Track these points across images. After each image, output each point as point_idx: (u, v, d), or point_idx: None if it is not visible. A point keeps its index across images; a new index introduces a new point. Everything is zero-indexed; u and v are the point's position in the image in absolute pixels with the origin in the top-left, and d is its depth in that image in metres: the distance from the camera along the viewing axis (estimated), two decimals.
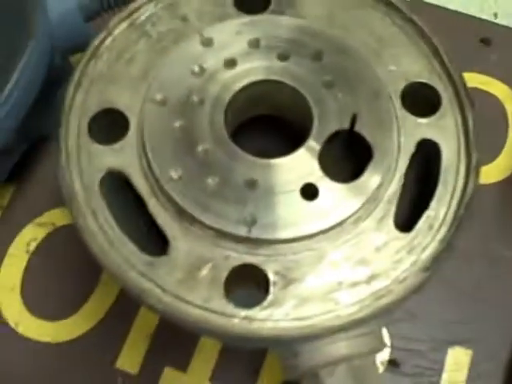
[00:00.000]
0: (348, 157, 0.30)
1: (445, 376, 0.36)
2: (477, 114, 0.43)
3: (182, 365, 0.36)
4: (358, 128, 0.29)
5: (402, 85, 0.31)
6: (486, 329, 0.37)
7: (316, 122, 0.29)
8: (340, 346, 0.27)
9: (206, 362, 0.36)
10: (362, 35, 0.32)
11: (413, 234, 0.28)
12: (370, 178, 0.28)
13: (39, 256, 0.39)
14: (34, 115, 0.33)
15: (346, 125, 0.29)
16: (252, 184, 0.28)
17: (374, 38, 0.32)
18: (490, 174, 0.42)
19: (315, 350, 0.27)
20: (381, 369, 0.36)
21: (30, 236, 0.40)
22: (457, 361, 0.36)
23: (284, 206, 0.28)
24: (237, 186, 0.28)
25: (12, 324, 0.38)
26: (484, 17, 0.47)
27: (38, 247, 0.39)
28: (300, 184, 0.28)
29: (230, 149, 0.29)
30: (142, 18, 0.32)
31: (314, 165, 0.29)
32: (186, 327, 0.27)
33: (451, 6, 0.47)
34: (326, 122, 0.29)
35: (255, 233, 0.27)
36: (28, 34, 0.32)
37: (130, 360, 0.36)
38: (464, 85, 0.31)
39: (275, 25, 0.31)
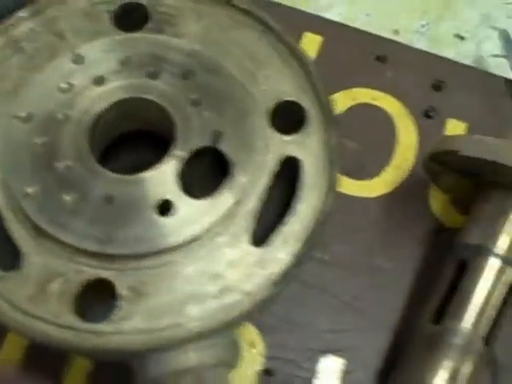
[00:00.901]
0: (214, 175, 0.31)
1: None
2: (367, 129, 0.44)
3: None
4: (220, 146, 0.30)
5: (272, 103, 0.32)
6: (359, 338, 0.38)
7: (179, 138, 0.30)
8: (188, 358, 0.27)
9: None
10: (238, 55, 0.32)
11: (266, 248, 0.29)
12: (226, 195, 0.29)
13: None
14: None
15: (209, 142, 0.30)
16: (109, 200, 0.28)
17: (250, 58, 0.32)
18: (376, 187, 0.43)
19: (163, 361, 0.27)
20: (254, 378, 0.36)
21: None
22: (329, 369, 0.37)
23: (139, 222, 0.28)
24: (94, 202, 0.28)
25: None
26: (384, 34, 0.48)
27: None
28: (157, 200, 0.29)
29: (90, 165, 0.29)
30: (19, 33, 0.32)
31: (173, 181, 0.29)
32: (36, 342, 0.27)
33: (354, 24, 0.48)
34: (188, 139, 0.30)
35: (108, 248, 0.28)
36: None
37: None
38: (330, 104, 0.32)
39: (148, 43, 0.32)
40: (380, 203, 0.42)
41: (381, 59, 0.46)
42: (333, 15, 0.49)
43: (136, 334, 0.27)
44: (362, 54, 0.47)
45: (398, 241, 0.41)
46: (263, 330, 0.37)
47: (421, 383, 0.35)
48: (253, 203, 0.30)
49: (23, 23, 0.33)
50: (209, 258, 0.29)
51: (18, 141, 0.29)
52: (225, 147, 0.30)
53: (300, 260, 0.29)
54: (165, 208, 0.29)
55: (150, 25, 0.33)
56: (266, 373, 0.36)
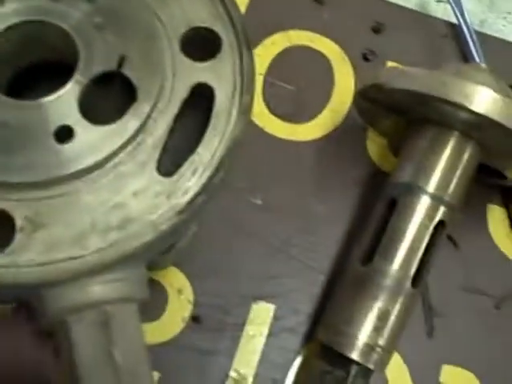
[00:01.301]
0: (117, 100, 0.29)
1: (247, 330, 0.36)
2: (304, 72, 0.43)
3: None
4: (125, 70, 0.28)
5: (183, 29, 0.30)
6: (292, 283, 0.37)
7: (81, 63, 0.28)
8: (89, 291, 0.26)
9: None
10: None
11: (175, 178, 0.28)
12: (130, 121, 0.28)
13: None
14: None
15: (113, 66, 0.28)
16: (4, 126, 0.27)
17: None
18: (311, 131, 0.41)
19: (61, 296, 0.26)
20: (181, 325, 0.35)
21: None
22: (259, 315, 0.36)
23: (36, 149, 0.27)
24: None
25: None
26: None
27: None
28: (55, 126, 0.27)
29: None
30: None
31: (73, 106, 0.28)
32: None
33: None
34: (91, 63, 0.28)
35: (5, 176, 0.26)
36: None
37: None
38: (244, 29, 0.30)
39: None
40: (316, 146, 0.41)
41: (318, 1, 0.45)
42: None
43: (32, 266, 0.25)
44: None
45: (334, 184, 0.40)
46: (191, 276, 0.36)
47: (349, 324, 0.34)
48: (160, 131, 0.28)
49: None
50: (111, 187, 0.27)
51: None
52: (130, 72, 0.28)
53: (207, 189, 0.27)
54: (64, 134, 0.27)
55: None
56: (194, 319, 0.35)
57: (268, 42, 0.42)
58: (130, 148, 0.28)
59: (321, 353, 0.35)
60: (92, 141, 0.27)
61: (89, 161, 0.27)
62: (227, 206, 0.37)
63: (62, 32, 0.29)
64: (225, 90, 0.29)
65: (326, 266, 0.39)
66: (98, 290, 0.26)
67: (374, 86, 0.36)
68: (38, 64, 0.32)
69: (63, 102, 0.28)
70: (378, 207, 0.37)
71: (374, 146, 0.42)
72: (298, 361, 0.36)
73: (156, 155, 0.28)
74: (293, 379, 0.36)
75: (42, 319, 0.26)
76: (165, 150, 0.28)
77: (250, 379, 0.36)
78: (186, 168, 0.28)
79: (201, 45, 0.30)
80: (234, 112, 0.29)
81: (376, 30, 0.46)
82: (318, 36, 0.44)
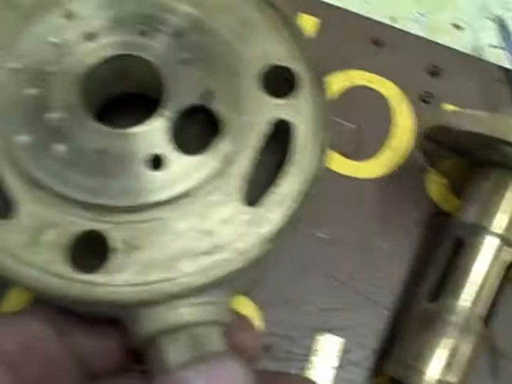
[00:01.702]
0: (207, 133, 0.31)
1: (314, 362, 0.37)
2: (364, 111, 0.44)
3: None
4: (210, 104, 0.30)
5: (262, 67, 0.32)
6: (357, 317, 0.38)
7: (169, 96, 0.30)
8: (181, 313, 0.27)
9: None
10: (227, 18, 0.32)
11: (259, 208, 0.29)
12: (217, 153, 0.29)
13: None
14: None
15: (198, 100, 0.30)
16: (101, 152, 0.28)
17: (239, 22, 0.32)
18: (372, 169, 0.43)
19: (155, 316, 0.27)
20: None
21: None
22: (326, 348, 0.37)
23: (131, 175, 0.28)
24: (86, 153, 0.28)
25: None
26: (380, 19, 0.48)
27: None
28: (148, 154, 0.29)
29: (81, 118, 0.29)
30: None
31: (164, 136, 0.29)
32: (25, 289, 0.27)
33: (351, 9, 0.49)
34: (178, 97, 0.30)
35: (100, 199, 0.28)
36: None
37: None
38: (321, 69, 0.32)
39: (139, 2, 0.32)
40: (376, 184, 0.42)
41: (377, 43, 0.47)
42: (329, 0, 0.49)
43: (127, 286, 0.27)
44: (358, 36, 0.47)
45: (395, 222, 0.41)
46: (260, 305, 0.37)
47: (419, 360, 0.35)
48: (244, 164, 0.30)
49: None
50: (200, 215, 0.29)
51: (8, 91, 0.29)
52: (216, 106, 0.30)
53: (291, 221, 0.29)
54: (156, 162, 0.29)
55: None
56: (263, 348, 0.36)
57: (328, 80, 0.44)
58: (216, 178, 0.29)
59: None
60: (182, 169, 0.29)
61: (179, 189, 0.28)
62: (293, 239, 0.38)
63: (150, 66, 0.31)
64: (303, 126, 0.31)
65: (390, 301, 0.39)
66: (189, 312, 0.27)
67: (440, 127, 0.37)
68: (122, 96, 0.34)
69: (154, 132, 0.29)
70: (444, 246, 0.38)
71: (435, 185, 0.43)
72: None
73: (241, 186, 0.29)
74: None
75: (134, 337, 0.28)
76: (249, 181, 0.29)
77: None
78: (269, 199, 0.29)
79: (279, 81, 0.32)
80: (314, 147, 0.30)
81: (433, 72, 0.47)
82: (377, 76, 0.46)
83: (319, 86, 0.32)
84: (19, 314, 0.31)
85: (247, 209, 0.29)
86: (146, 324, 0.27)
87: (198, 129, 0.31)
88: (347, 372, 0.37)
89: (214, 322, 0.28)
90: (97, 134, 0.29)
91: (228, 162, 0.29)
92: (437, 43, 0.48)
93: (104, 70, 0.31)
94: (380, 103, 0.46)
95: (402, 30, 0.48)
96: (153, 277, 0.27)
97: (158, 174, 0.28)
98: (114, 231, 0.28)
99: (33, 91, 0.29)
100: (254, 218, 0.29)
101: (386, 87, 0.45)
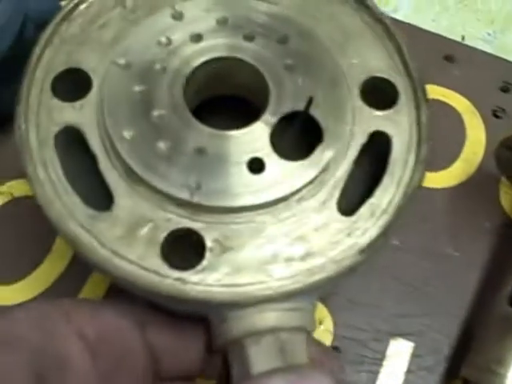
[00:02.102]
0: (302, 139, 0.31)
1: (385, 366, 0.37)
2: (437, 124, 0.44)
3: None
4: (312, 111, 0.30)
5: (362, 77, 0.32)
6: (429, 323, 0.38)
7: (272, 101, 0.30)
8: (268, 317, 0.27)
9: None
10: (329, 27, 0.33)
11: (354, 218, 0.29)
12: (317, 161, 0.29)
13: None
14: (2, 91, 0.33)
15: (301, 107, 0.30)
16: (201, 152, 0.29)
17: (341, 31, 0.33)
18: (444, 179, 0.43)
19: (243, 318, 0.27)
20: None
21: None
22: (398, 352, 0.37)
23: (229, 176, 0.28)
24: (186, 152, 0.29)
25: None
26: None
27: None
28: (248, 157, 0.29)
29: (184, 116, 0.29)
30: None
31: (265, 141, 0.29)
32: (119, 283, 0.27)
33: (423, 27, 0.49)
34: (281, 102, 0.30)
35: (197, 198, 0.28)
36: None
37: None
38: (422, 83, 0.32)
39: (245, 7, 0.32)
40: (449, 194, 0.43)
41: (449, 59, 0.47)
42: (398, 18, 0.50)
43: (219, 286, 0.27)
44: (430, 53, 0.48)
45: (467, 232, 0.42)
46: (332, 309, 0.37)
47: (501, 364, 0.35)
48: (340, 172, 0.30)
49: None
50: (295, 221, 0.29)
51: (117, 86, 0.30)
52: (316, 113, 0.30)
53: (385, 233, 0.28)
54: (255, 166, 0.29)
55: None
56: (334, 349, 0.36)
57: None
58: (313, 185, 0.29)
59: None
60: (280, 175, 0.29)
61: (275, 194, 0.28)
62: None
63: (254, 70, 0.31)
64: (402, 138, 0.31)
65: (462, 308, 0.40)
66: (276, 316, 0.27)
67: None
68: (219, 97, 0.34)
69: (255, 135, 0.29)
70: None
71: (507, 197, 0.43)
72: None
73: (336, 195, 0.29)
74: None
75: (218, 337, 0.28)
76: (344, 190, 0.29)
77: None
78: (364, 210, 0.29)
79: (379, 93, 0.32)
80: (411, 161, 0.30)
81: (504, 89, 0.47)
82: (449, 91, 0.46)
83: (419, 99, 0.31)
84: (100, 303, 0.31)
85: (341, 217, 0.29)
86: (233, 325, 0.27)
87: (295, 135, 0.31)
88: (418, 377, 0.37)
89: (299, 329, 0.28)
90: (198, 133, 0.29)
91: (325, 170, 0.29)
92: (507, 60, 0.48)
93: (208, 70, 0.31)
94: (453, 117, 0.46)
95: (472, 47, 0.48)
96: (244, 279, 0.27)
97: (256, 177, 0.29)
98: (209, 231, 0.28)
99: (140, 88, 0.30)
100: (347, 226, 0.29)
101: (458, 102, 0.46)
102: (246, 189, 0.28)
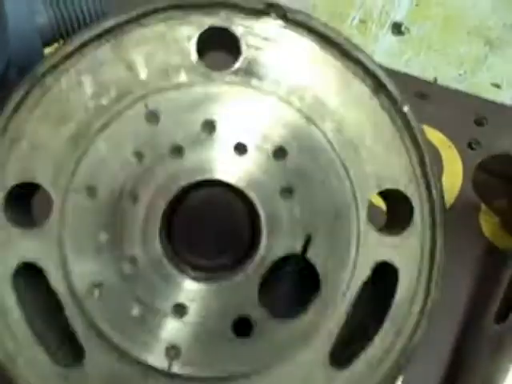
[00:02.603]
0: (296, 282, 0.27)
1: None
2: None
3: None
4: (309, 254, 0.26)
5: (372, 191, 0.27)
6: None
7: (263, 245, 0.26)
8: None
9: None
10: (342, 119, 0.27)
11: (347, 373, 0.27)
12: (314, 317, 0.26)
13: None
14: None
15: (297, 248, 0.26)
16: (180, 310, 0.25)
17: (356, 124, 0.27)
18: None
19: None
20: None
21: None
22: None
23: (212, 342, 0.26)
24: (163, 312, 0.25)
25: None
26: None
27: None
28: (233, 316, 0.25)
29: (161, 266, 0.25)
30: (82, 62, 0.26)
31: (253, 295, 0.26)
32: None
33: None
34: (274, 244, 0.26)
35: (176, 368, 0.25)
36: None
37: None
38: (442, 202, 0.27)
39: (236, 104, 0.26)
40: None
41: (421, 96, 0.48)
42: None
43: None
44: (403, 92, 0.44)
45: (451, 258, 0.40)
46: None
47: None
48: (337, 319, 0.27)
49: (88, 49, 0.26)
50: (284, 377, 0.26)
51: (83, 222, 0.25)
52: (314, 256, 0.26)
53: None
54: (242, 327, 0.26)
55: (237, 64, 0.27)
56: None
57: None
58: (307, 337, 0.26)
59: None
60: (270, 338, 0.26)
61: (268, 358, 0.26)
62: None
63: (244, 196, 0.26)
64: (409, 274, 0.27)
65: (451, 332, 0.40)
66: None
67: (496, 156, 0.37)
68: None
69: (243, 289, 0.26)
70: (504, 274, 0.38)
71: (488, 225, 0.43)
72: None
73: (329, 345, 0.26)
74: None
75: None
76: (338, 338, 0.27)
77: None
78: (359, 362, 0.27)
79: (389, 208, 0.27)
80: (415, 307, 0.27)
81: (478, 122, 0.48)
82: (424, 127, 0.42)
83: (437, 224, 0.27)
84: None
85: (333, 371, 0.27)
86: None
87: (288, 283, 0.27)
88: None
89: None
90: (177, 288, 0.26)
91: (320, 322, 0.26)
92: (479, 96, 0.49)
93: (189, 198, 0.26)
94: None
95: (444, 86, 0.50)
96: None
97: (244, 341, 0.26)
98: None
99: (107, 225, 0.25)
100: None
101: (434, 136, 0.46)
102: (232, 355, 0.26)
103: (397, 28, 0.55)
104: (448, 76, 0.52)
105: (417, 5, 0.56)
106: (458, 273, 0.41)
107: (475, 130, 0.47)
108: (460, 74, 0.53)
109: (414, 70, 0.52)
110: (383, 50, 0.52)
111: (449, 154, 0.47)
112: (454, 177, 0.46)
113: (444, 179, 0.44)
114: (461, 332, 0.40)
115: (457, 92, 0.50)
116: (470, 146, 0.47)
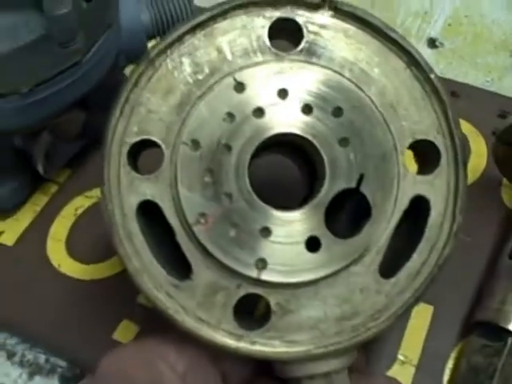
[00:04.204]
0: (351, 212, 0.35)
1: (408, 326, 0.46)
2: None
3: None
4: (363, 188, 0.34)
5: (408, 141, 0.35)
6: (446, 285, 0.45)
7: (326, 182, 0.34)
8: (322, 365, 0.34)
9: None
10: (382, 86, 0.35)
11: (392, 280, 0.34)
12: (366, 236, 0.34)
13: (83, 219, 0.50)
14: (100, 115, 0.37)
15: (353, 184, 0.34)
16: (266, 232, 0.33)
17: (393, 90, 0.35)
18: None
19: (299, 366, 0.34)
20: None
21: (78, 204, 0.52)
22: (419, 314, 0.46)
23: (291, 255, 0.33)
24: (253, 233, 0.33)
25: (55, 265, 0.48)
26: None
27: (84, 212, 0.52)
28: (306, 236, 0.33)
29: (250, 199, 0.33)
30: (182, 48, 0.34)
31: (320, 220, 0.34)
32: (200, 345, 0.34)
33: None
34: (335, 181, 0.34)
35: (264, 276, 0.33)
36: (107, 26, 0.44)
37: None
38: (463, 147, 0.35)
39: (303, 75, 0.34)
40: None
41: (454, 94, 0.59)
42: None
43: (282, 345, 0.34)
44: None
45: (477, 222, 0.49)
46: None
47: (505, 303, 0.43)
48: (383, 239, 0.34)
49: (185, 37, 0.35)
50: (343, 285, 0.34)
51: (190, 169, 0.33)
52: (366, 190, 0.34)
53: (419, 294, 0.34)
54: (312, 244, 0.33)
55: (300, 46, 0.35)
56: None
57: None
58: (361, 252, 0.34)
59: (480, 331, 0.44)
60: (335, 252, 0.34)
61: (331, 269, 0.34)
62: None
63: (312, 146, 0.34)
64: (439, 204, 0.35)
65: (474, 281, 0.48)
66: (328, 363, 0.34)
67: None
68: None
69: (312, 216, 0.34)
70: None
71: (508, 196, 0.52)
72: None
73: (378, 260, 0.34)
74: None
75: (280, 372, 0.35)
76: (385, 254, 0.35)
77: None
78: (402, 273, 0.34)
79: (419, 157, 0.35)
80: (445, 228, 0.35)
81: (502, 115, 0.58)
82: None
83: (460, 166, 0.35)
84: (181, 340, 0.34)
85: (382, 280, 0.34)
86: (291, 370, 0.35)
87: (346, 211, 0.35)
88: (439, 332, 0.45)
89: (344, 368, 0.35)
90: (263, 216, 0.33)
91: (372, 242, 0.34)
92: (503, 95, 0.60)
93: (268, 143, 0.34)
94: None
95: (473, 85, 0.62)
96: (302, 337, 0.34)
97: (314, 255, 0.34)
98: (273, 295, 0.34)
99: (209, 169, 0.33)
100: (386, 289, 0.34)
101: (464, 126, 0.56)
102: (306, 266, 0.34)
103: (432, 42, 0.68)
104: (477, 82, 0.64)
105: (449, 24, 0.70)
106: (482, 232, 0.50)
107: (499, 122, 0.57)
108: (487, 81, 0.65)
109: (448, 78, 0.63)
110: None
111: (476, 139, 0.57)
112: (479, 157, 0.56)
113: (471, 160, 0.55)
114: (484, 272, 0.49)
115: (484, 91, 0.62)
116: (493, 133, 0.56)
